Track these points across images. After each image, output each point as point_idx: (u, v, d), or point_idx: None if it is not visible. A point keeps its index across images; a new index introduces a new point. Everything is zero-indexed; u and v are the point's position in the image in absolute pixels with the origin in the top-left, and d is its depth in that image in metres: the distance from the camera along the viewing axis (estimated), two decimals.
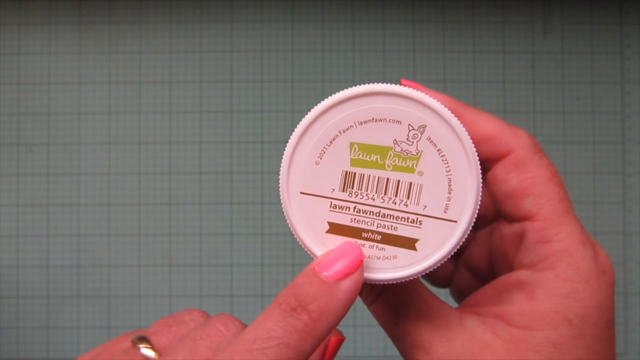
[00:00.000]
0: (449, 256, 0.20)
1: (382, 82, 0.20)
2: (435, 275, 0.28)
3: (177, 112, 0.51)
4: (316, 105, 0.21)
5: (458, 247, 0.20)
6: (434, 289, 0.26)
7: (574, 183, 0.51)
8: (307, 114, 0.21)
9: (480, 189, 0.20)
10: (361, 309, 0.26)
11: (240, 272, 0.51)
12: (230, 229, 0.51)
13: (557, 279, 0.21)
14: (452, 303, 0.25)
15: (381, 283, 0.21)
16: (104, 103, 0.51)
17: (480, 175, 0.20)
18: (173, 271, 0.51)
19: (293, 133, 0.21)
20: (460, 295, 0.27)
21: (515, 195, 0.22)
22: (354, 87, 0.20)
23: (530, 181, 0.22)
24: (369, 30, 0.51)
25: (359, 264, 0.20)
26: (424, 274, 0.20)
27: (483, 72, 0.51)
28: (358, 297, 0.23)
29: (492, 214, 0.25)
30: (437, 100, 0.20)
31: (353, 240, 0.20)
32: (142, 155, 0.51)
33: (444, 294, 0.30)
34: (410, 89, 0.20)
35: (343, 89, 0.21)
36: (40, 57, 0.51)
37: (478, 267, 0.26)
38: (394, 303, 0.23)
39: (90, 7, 0.51)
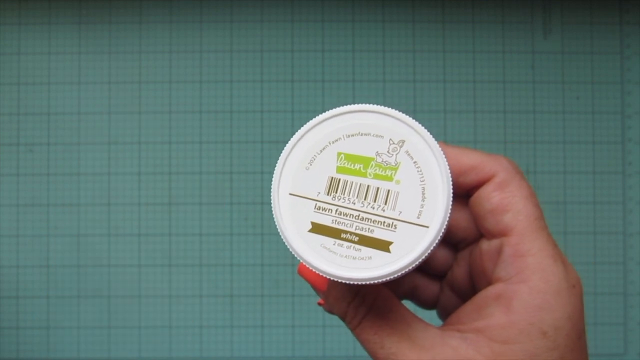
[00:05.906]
0: (421, 259, 0.21)
1: (372, 104, 0.23)
2: (422, 297, 0.29)
3: (177, 112, 0.51)
4: (314, 116, 0.23)
5: (429, 251, 0.21)
6: (420, 311, 0.27)
7: (574, 183, 0.51)
8: (304, 123, 0.23)
9: (451, 198, 0.21)
10: None
11: (240, 272, 0.51)
12: (230, 229, 0.51)
13: (531, 291, 0.22)
14: (439, 323, 0.26)
15: (356, 283, 0.21)
16: (104, 103, 0.51)
17: (451, 186, 0.22)
18: (173, 271, 0.51)
19: (289, 141, 0.23)
20: (447, 315, 0.29)
21: (496, 211, 0.24)
22: (346, 106, 0.23)
23: (510, 199, 0.24)
24: (369, 30, 0.51)
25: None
26: (396, 275, 0.21)
27: (483, 72, 0.51)
28: (342, 321, 0.24)
29: (472, 237, 0.26)
30: (415, 120, 0.22)
31: (332, 239, 0.22)
32: (142, 155, 0.51)
33: (429, 316, 0.30)
34: (393, 109, 0.22)
35: (340, 105, 0.23)
36: (40, 57, 0.51)
37: (461, 286, 0.27)
38: (378, 326, 0.23)
39: (90, 7, 0.51)
